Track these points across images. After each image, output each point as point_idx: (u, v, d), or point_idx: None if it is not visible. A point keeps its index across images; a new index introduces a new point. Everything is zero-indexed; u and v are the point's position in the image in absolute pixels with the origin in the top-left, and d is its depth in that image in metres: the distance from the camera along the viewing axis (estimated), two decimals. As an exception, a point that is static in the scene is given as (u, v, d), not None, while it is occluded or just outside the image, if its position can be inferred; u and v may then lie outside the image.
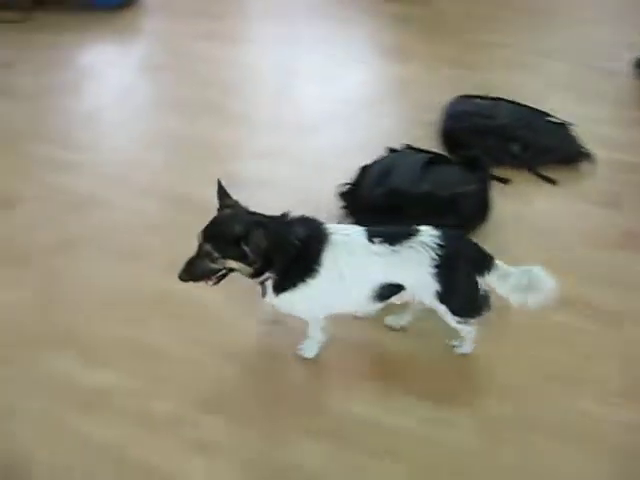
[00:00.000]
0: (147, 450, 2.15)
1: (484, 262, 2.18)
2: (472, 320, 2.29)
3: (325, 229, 2.14)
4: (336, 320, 2.43)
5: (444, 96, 3.64)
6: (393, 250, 2.10)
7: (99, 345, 2.48)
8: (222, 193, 2.14)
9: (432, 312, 2.26)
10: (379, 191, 2.71)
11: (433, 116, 3.57)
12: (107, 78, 4.24)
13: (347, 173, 2.99)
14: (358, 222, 2.66)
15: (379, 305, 2.26)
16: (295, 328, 2.44)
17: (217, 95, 3.97)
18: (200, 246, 2.02)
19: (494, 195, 2.95)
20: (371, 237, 2.13)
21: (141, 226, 2.95)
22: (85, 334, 2.51)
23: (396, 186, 2.70)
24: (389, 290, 2.19)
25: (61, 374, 2.37)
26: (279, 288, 2.14)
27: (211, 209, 2.93)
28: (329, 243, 2.11)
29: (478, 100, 3.54)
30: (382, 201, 2.66)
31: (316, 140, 3.57)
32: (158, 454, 2.14)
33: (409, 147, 3.15)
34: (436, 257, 2.09)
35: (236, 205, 2.13)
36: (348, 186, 2.88)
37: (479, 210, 2.88)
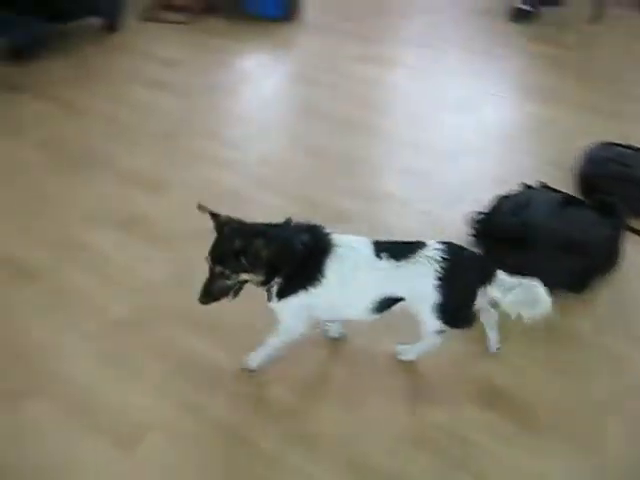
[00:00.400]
0: (256, 432, 2.27)
1: (487, 274, 2.22)
2: (453, 330, 2.31)
3: (330, 238, 2.18)
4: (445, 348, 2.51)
5: (584, 141, 3.63)
6: (398, 265, 2.15)
7: (222, 329, 2.62)
8: (211, 214, 2.15)
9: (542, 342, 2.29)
10: (514, 222, 2.76)
11: (570, 159, 3.57)
12: (261, 84, 4.53)
13: (478, 202, 3.05)
14: (486, 250, 2.74)
15: (376, 316, 2.29)
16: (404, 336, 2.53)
17: (362, 112, 4.14)
18: (211, 269, 2.09)
19: (626, 245, 2.93)
20: (378, 252, 2.17)
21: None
22: (210, 318, 2.62)
23: (531, 219, 2.74)
24: (388, 302, 2.23)
25: (185, 350, 2.54)
26: (282, 293, 2.19)
27: (343, 218, 3.12)
28: (334, 255, 2.15)
29: (621, 149, 3.51)
30: (515, 232, 2.72)
31: (452, 167, 3.66)
32: (265, 438, 2.25)
33: (545, 186, 3.19)
34: (440, 270, 2.13)
35: (231, 220, 2.14)
36: (482, 215, 2.95)
37: (609, 257, 2.87)
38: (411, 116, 4.17)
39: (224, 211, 3.18)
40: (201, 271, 2.82)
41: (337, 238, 2.19)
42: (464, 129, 4.03)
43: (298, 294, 2.17)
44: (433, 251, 2.16)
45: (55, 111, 4.05)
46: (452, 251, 2.18)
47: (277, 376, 2.46)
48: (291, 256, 2.11)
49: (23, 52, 4.59)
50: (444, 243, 2.21)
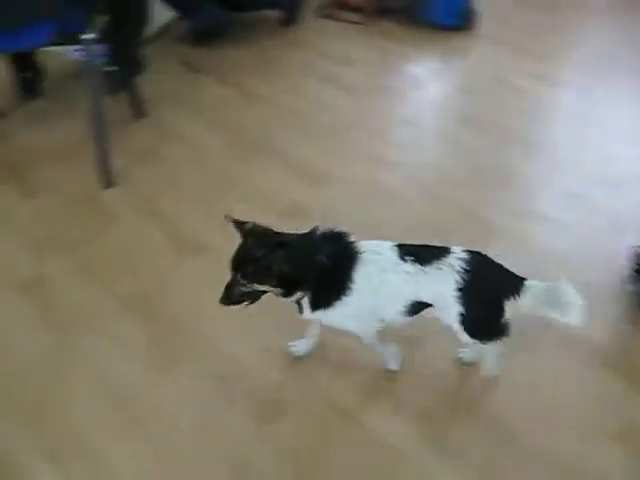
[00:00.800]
0: (388, 429, 2.34)
1: (513, 287, 2.15)
2: (488, 344, 2.29)
3: (355, 246, 2.18)
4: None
5: None
6: (422, 270, 2.13)
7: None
8: (236, 223, 2.15)
9: None
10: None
11: None
12: (428, 90, 4.61)
13: (640, 237, 2.99)
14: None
15: (410, 319, 2.28)
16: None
17: (524, 128, 4.12)
18: (232, 274, 2.12)
19: None
20: (402, 255, 2.17)
21: (428, 229, 3.12)
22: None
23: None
24: (419, 306, 2.22)
25: (329, 338, 2.60)
26: (315, 305, 2.22)
27: (495, 233, 3.16)
28: (360, 261, 2.15)
29: None
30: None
31: (614, 197, 3.55)
32: (394, 435, 2.32)
33: None
34: (460, 280, 2.10)
35: (256, 229, 2.14)
36: (646, 251, 2.90)
37: None
38: (574, 139, 4.09)
39: (377, 208, 3.36)
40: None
41: (361, 244, 2.22)
42: (631, 159, 3.90)
43: (334, 305, 2.21)
44: (456, 260, 2.14)
45: (235, 97, 4.32)
46: (476, 262, 2.16)
47: (416, 379, 2.52)
48: (311, 270, 2.14)
49: (206, 37, 4.91)
50: (470, 252, 2.19)
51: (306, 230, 2.22)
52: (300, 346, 2.57)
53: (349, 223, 3.13)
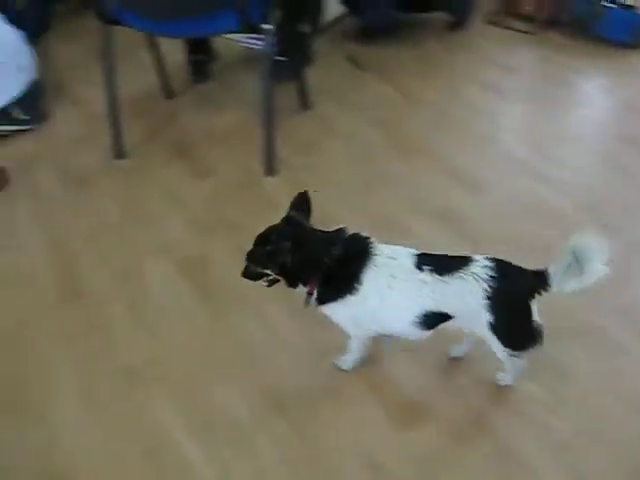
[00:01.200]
0: (522, 445, 2.28)
1: (539, 283, 2.08)
2: (523, 353, 2.20)
3: (370, 247, 2.17)
4: None
5: None
6: (441, 280, 2.07)
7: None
8: (295, 204, 2.26)
9: None
10: None
11: None
12: (594, 107, 4.46)
13: None
14: None
15: (427, 333, 2.21)
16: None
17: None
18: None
19: None
20: (420, 264, 2.11)
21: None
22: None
23: None
24: (435, 318, 2.14)
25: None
26: (321, 299, 2.22)
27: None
28: (372, 263, 2.13)
29: None
30: None
31: None
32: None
33: None
34: (488, 289, 2.02)
35: (294, 216, 2.21)
36: None
37: None
38: None
39: (545, 230, 3.18)
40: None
41: (378, 247, 2.19)
42: None
43: (337, 301, 2.21)
44: (481, 268, 2.07)
45: (397, 97, 4.34)
46: (500, 268, 2.08)
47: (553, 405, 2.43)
48: (313, 270, 2.16)
49: (374, 35, 4.95)
50: (492, 260, 2.11)
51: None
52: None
53: (508, 238, 3.08)
